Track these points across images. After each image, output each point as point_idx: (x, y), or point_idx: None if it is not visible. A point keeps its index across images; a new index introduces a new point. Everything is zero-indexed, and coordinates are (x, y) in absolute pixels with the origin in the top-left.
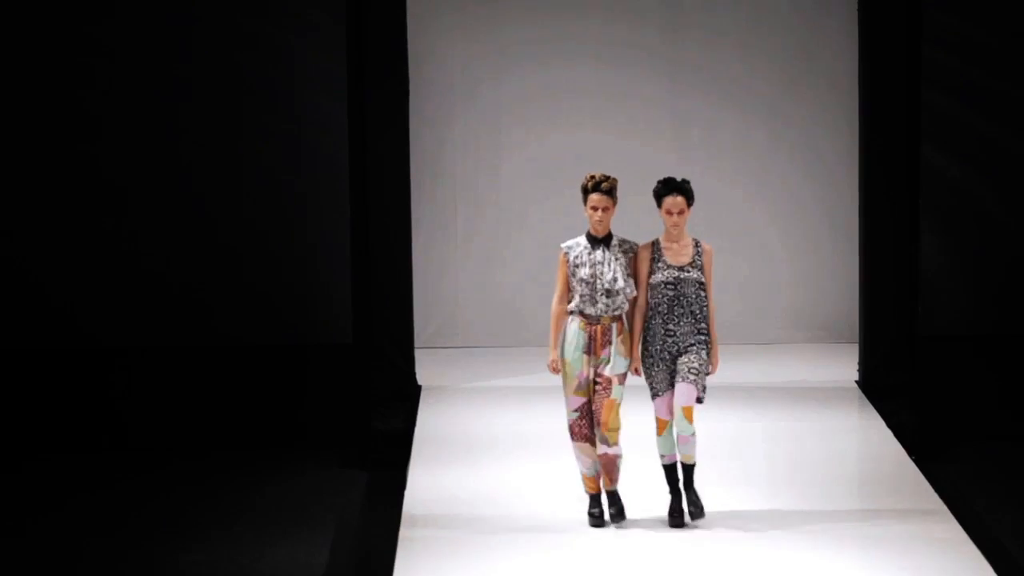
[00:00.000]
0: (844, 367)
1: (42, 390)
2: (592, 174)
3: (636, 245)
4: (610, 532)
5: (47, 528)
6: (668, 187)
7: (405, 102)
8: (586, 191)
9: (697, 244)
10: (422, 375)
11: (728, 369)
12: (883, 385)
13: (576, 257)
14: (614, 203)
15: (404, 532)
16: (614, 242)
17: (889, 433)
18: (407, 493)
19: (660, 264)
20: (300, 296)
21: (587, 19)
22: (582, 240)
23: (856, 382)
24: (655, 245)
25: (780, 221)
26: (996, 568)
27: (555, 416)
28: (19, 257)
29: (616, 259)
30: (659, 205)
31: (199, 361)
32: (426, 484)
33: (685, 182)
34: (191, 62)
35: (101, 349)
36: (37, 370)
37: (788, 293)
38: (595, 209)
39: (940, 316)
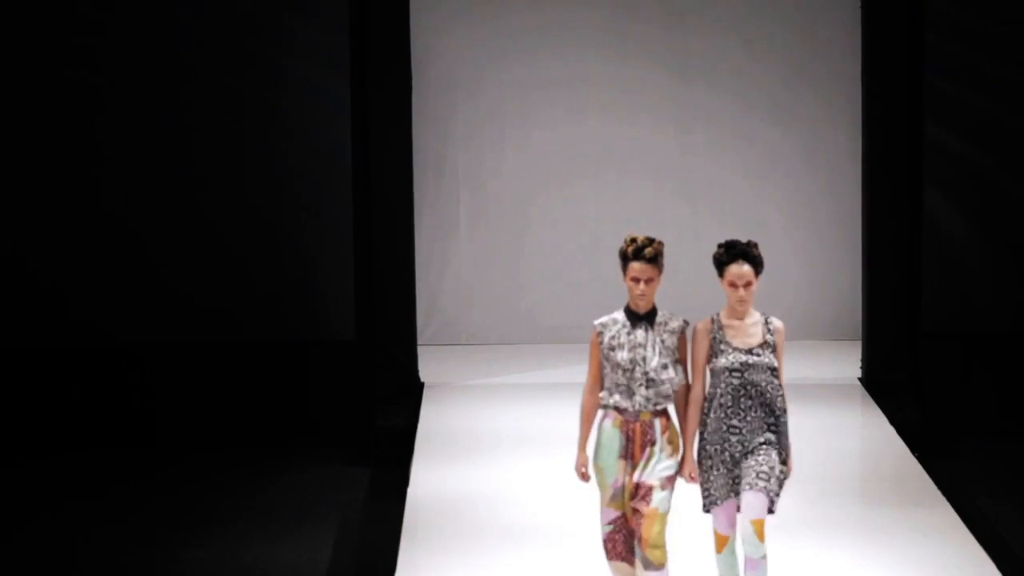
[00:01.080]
0: (847, 364)
1: (44, 387)
2: (633, 237)
3: (686, 323)
4: None
5: (50, 525)
6: (732, 253)
7: (408, 97)
8: (625, 258)
9: (767, 321)
10: (425, 372)
11: None
12: (886, 382)
13: (612, 338)
14: (660, 272)
15: (407, 529)
16: (659, 319)
17: (892, 430)
18: (410, 490)
19: (723, 346)
20: (303, 293)
21: (590, 9)
22: (619, 316)
23: (859, 379)
24: (715, 322)
25: (782, 217)
26: (998, 564)
27: (557, 414)
28: (20, 253)
29: (661, 340)
30: (720, 275)
31: (202, 358)
32: (429, 481)
33: (751, 245)
34: (193, 56)
35: (103, 346)
36: (40, 367)
37: (791, 289)
38: (636, 281)
39: (943, 313)
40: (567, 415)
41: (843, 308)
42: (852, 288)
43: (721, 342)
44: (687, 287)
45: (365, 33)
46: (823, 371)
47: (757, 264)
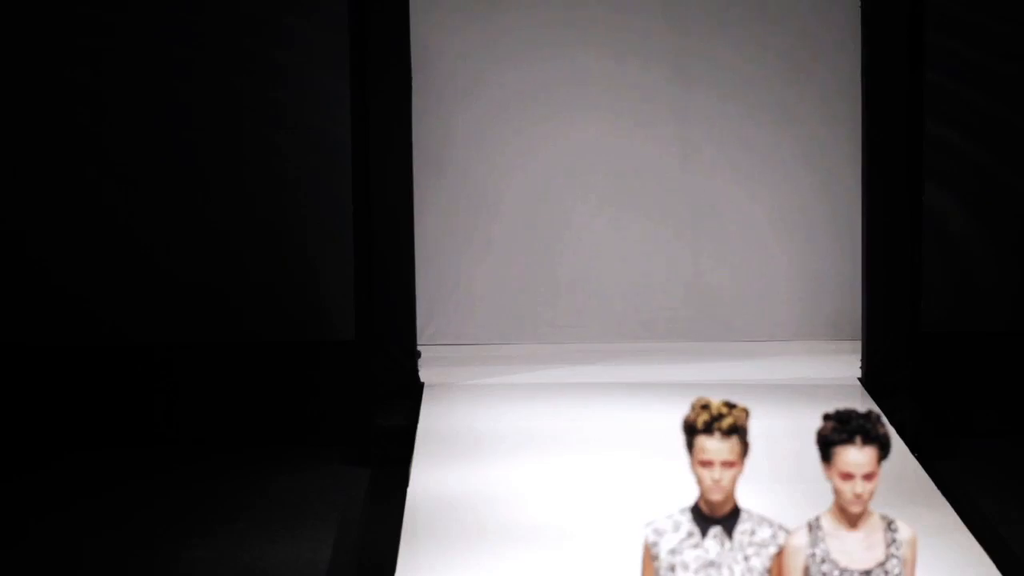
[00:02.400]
0: (846, 364)
1: (43, 388)
2: (704, 403)
3: (783, 531)
4: (614, 532)
5: (51, 526)
6: (848, 428)
7: (408, 96)
8: (692, 431)
9: (890, 526)
10: (425, 372)
11: (729, 366)
12: (886, 382)
13: (672, 551)
14: (744, 453)
15: (407, 529)
16: (741, 525)
17: (891, 430)
18: (410, 490)
19: (827, 567)
20: (303, 293)
21: (590, 9)
22: (682, 519)
23: (859, 379)
24: (814, 531)
25: (782, 216)
26: (999, 564)
27: (558, 414)
28: (20, 253)
29: (745, 558)
30: (826, 459)
31: (201, 358)
32: (429, 481)
33: (873, 418)
34: (192, 55)
35: (102, 346)
36: (38, 367)
37: (790, 289)
38: (708, 465)
39: (943, 313)
40: (567, 415)
41: (843, 308)
42: (852, 288)
43: (824, 561)
44: (684, 290)
45: (365, 31)
46: (822, 371)
47: (883, 446)
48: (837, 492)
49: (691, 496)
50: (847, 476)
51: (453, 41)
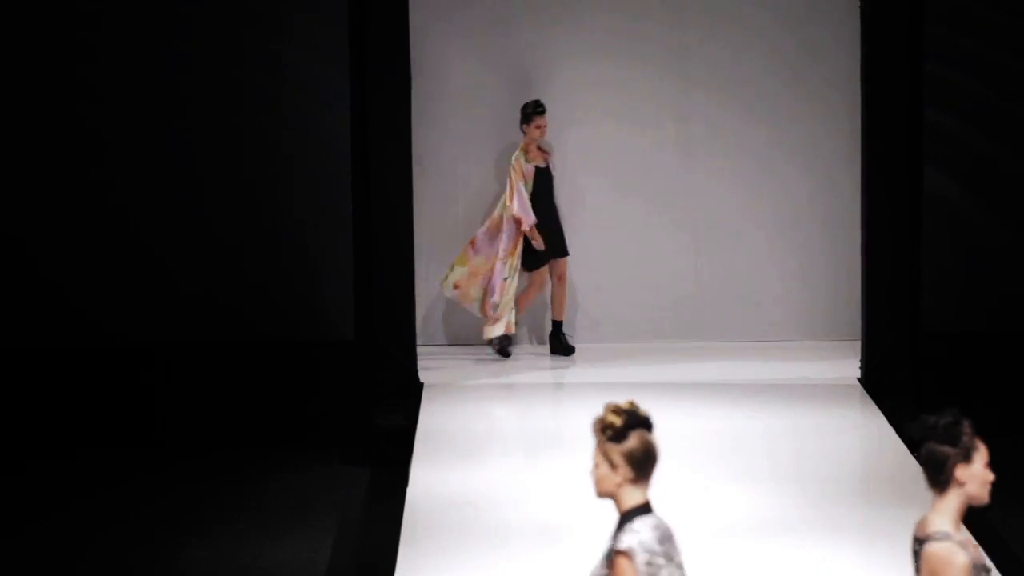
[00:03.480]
0: (846, 364)
1: (43, 388)
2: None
3: (621, 550)
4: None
5: (50, 525)
6: (963, 425)
7: (407, 95)
8: None
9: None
10: (424, 372)
11: (729, 366)
12: (885, 383)
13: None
14: (611, 462)
15: (406, 529)
16: (620, 528)
17: (891, 431)
18: (409, 490)
19: (984, 575)
20: (302, 293)
21: (589, 9)
22: None
23: (858, 380)
24: (957, 543)
25: (782, 216)
26: (999, 564)
27: (557, 414)
28: (18, 253)
29: (603, 564)
30: (967, 459)
31: (200, 358)
32: (429, 481)
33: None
34: (191, 58)
35: (102, 346)
36: (38, 368)
37: (789, 290)
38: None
39: (943, 313)
40: (567, 415)
41: (843, 308)
42: (852, 288)
43: (982, 569)
44: (684, 290)
45: (365, 28)
46: (822, 371)
47: None
48: (983, 487)
49: (685, 497)
50: (989, 464)
51: (452, 42)
